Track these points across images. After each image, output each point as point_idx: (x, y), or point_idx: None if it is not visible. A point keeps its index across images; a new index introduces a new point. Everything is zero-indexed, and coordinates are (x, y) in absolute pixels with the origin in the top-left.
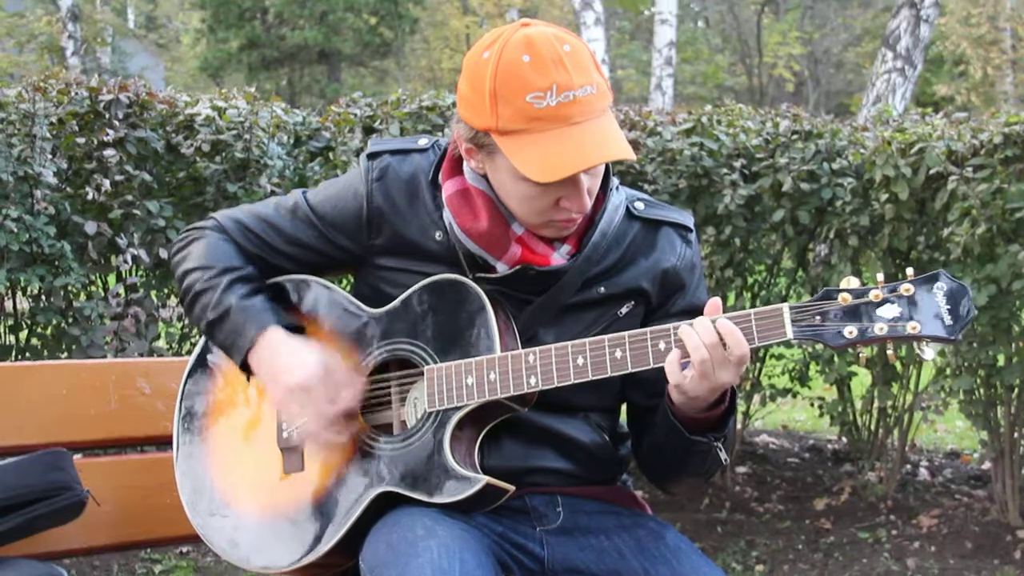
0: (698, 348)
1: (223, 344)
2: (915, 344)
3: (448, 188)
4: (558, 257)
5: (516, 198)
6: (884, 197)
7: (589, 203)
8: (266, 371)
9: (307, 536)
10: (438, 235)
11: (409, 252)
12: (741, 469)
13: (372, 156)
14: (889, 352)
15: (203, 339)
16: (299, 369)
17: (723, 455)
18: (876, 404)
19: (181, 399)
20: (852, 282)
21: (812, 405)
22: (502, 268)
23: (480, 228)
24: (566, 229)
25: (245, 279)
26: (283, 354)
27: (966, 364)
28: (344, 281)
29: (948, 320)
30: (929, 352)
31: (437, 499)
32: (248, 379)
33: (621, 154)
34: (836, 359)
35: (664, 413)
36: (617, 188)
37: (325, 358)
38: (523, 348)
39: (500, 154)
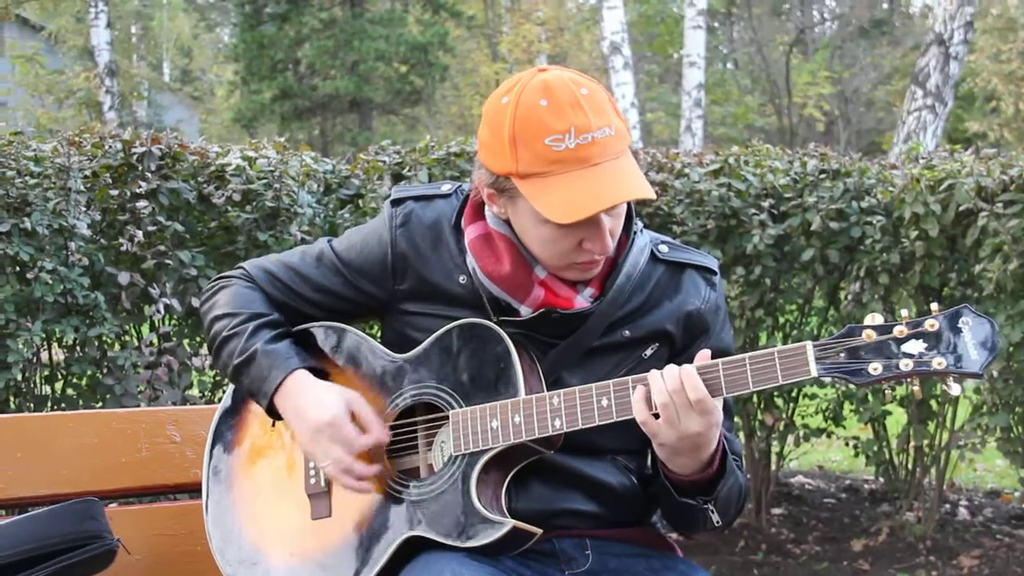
0: (660, 392)
1: (249, 389)
2: (941, 379)
3: (470, 233)
4: (581, 300)
5: (538, 241)
6: (914, 234)
7: (612, 245)
8: (292, 413)
9: None
10: (462, 279)
11: (434, 297)
12: (777, 510)
13: (396, 203)
14: (915, 388)
15: (231, 386)
16: (323, 408)
17: (715, 518)
18: (912, 443)
19: (210, 446)
20: (876, 318)
21: (847, 444)
22: (525, 311)
23: (503, 272)
24: (589, 271)
25: (271, 324)
26: (308, 396)
27: (1003, 401)
28: (375, 328)
29: (975, 355)
30: (956, 388)
31: (464, 543)
32: (274, 424)
33: (641, 193)
34: (870, 398)
35: (658, 472)
36: (641, 231)
37: (349, 397)
38: (548, 391)
39: (521, 198)
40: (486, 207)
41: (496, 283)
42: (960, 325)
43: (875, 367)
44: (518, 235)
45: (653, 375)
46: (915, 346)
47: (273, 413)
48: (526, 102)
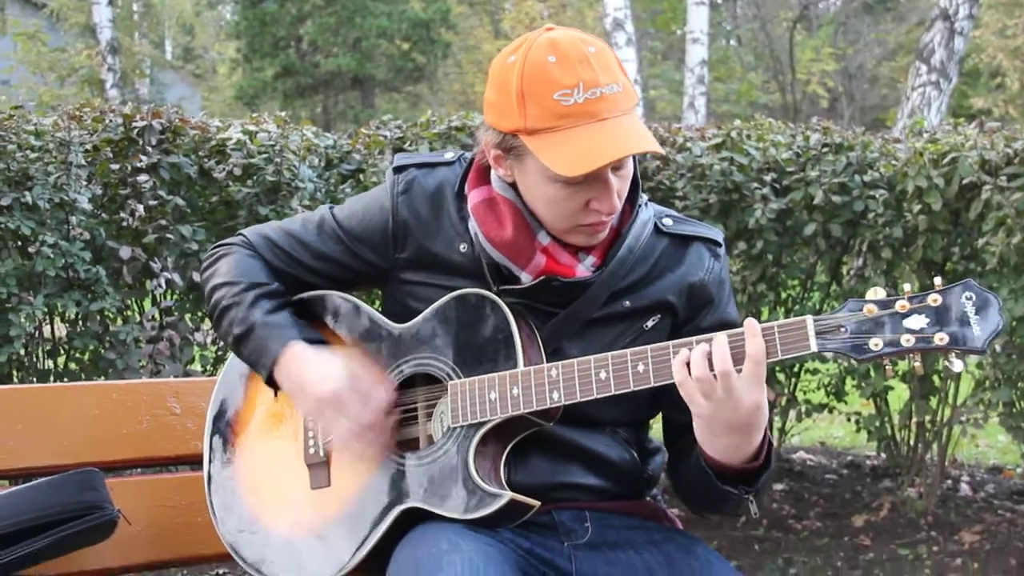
0: (723, 359)
1: (249, 360)
2: (943, 355)
3: (474, 197)
4: (583, 269)
5: (545, 201)
6: (917, 208)
7: (619, 204)
8: (293, 385)
9: (334, 552)
10: (463, 247)
11: (434, 265)
12: (778, 486)
13: (398, 170)
14: (916, 364)
15: (231, 356)
16: (327, 380)
17: (753, 508)
18: (914, 418)
19: (211, 415)
20: (878, 293)
21: (849, 420)
22: (526, 278)
23: (505, 237)
24: (595, 236)
25: (270, 295)
26: (309, 367)
27: (1005, 376)
28: (376, 302)
29: (977, 331)
30: (958, 364)
31: (462, 515)
32: (276, 395)
33: (649, 147)
34: (872, 373)
35: (698, 457)
36: (646, 204)
37: (351, 365)
38: (547, 362)
39: (529, 156)
40: (492, 171)
41: (498, 248)
42: (963, 300)
43: (876, 342)
44: (524, 197)
45: (718, 341)
46: (917, 321)
47: (273, 384)
48: (534, 59)
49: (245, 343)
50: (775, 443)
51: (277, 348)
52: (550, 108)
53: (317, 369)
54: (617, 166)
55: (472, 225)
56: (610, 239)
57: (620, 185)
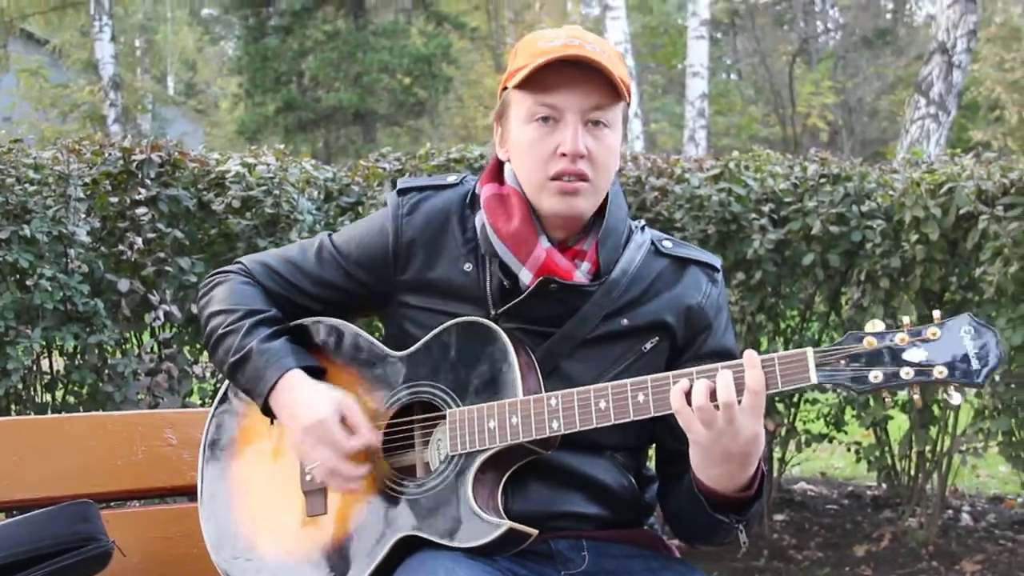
0: (727, 389)
1: (245, 387)
2: (942, 388)
3: (486, 192)
4: (580, 275)
5: (522, 150)
6: (914, 238)
7: (582, 149)
8: (285, 413)
9: None
10: (467, 267)
11: (435, 290)
12: (779, 517)
13: (402, 192)
14: (916, 396)
15: (227, 382)
16: (313, 410)
17: (743, 537)
18: (914, 448)
19: (206, 441)
20: (878, 325)
21: (849, 450)
22: (525, 276)
23: (511, 228)
24: (567, 199)
25: (268, 321)
26: (301, 396)
27: (1004, 405)
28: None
29: (975, 365)
30: (957, 397)
31: (459, 544)
32: (272, 422)
33: (605, 68)
34: (872, 403)
35: (691, 482)
36: (643, 229)
37: (339, 399)
38: (546, 381)
39: (511, 105)
40: (504, 168)
41: (503, 239)
42: (962, 334)
43: (876, 375)
44: (515, 170)
45: (722, 372)
46: (916, 354)
47: (268, 412)
48: (538, 30)
49: (242, 370)
50: (775, 473)
51: (273, 376)
52: (532, 50)
53: (307, 399)
54: (593, 119)
55: (480, 217)
56: (596, 243)
57: (594, 145)
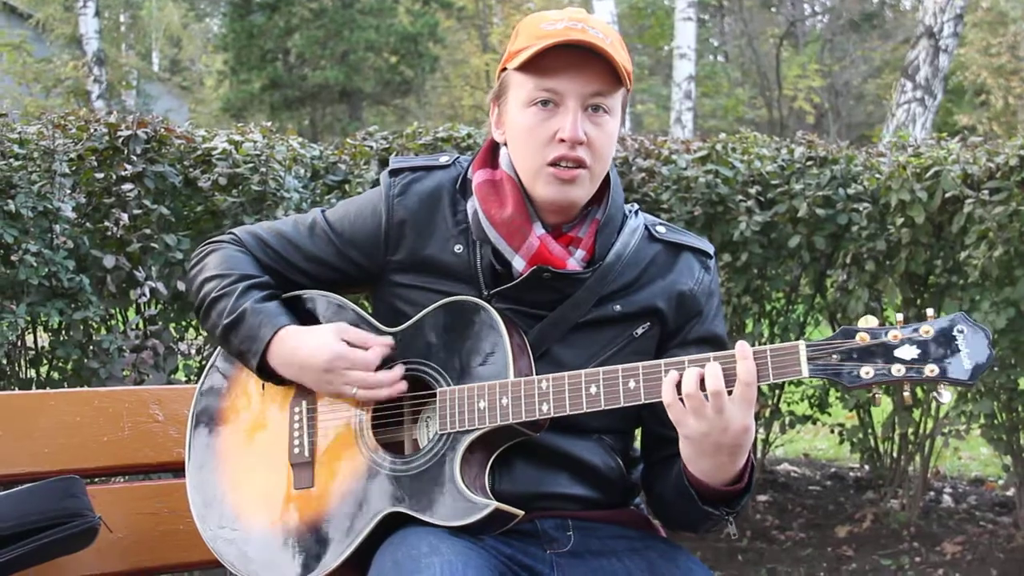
0: (715, 377)
1: (239, 349)
2: (932, 385)
3: (478, 177)
4: (573, 262)
5: (521, 134)
6: (900, 221)
7: (581, 135)
8: (293, 364)
9: (316, 553)
10: (457, 248)
11: (426, 268)
12: (762, 497)
13: (394, 172)
14: (906, 394)
15: (216, 353)
16: (322, 346)
17: (732, 528)
18: (897, 430)
19: (194, 412)
20: (871, 321)
21: (833, 432)
22: (518, 263)
23: (504, 215)
24: (564, 187)
25: (261, 286)
26: (303, 341)
27: (987, 388)
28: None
29: (967, 364)
30: (946, 395)
31: (444, 522)
32: (264, 386)
33: (612, 58)
34: None
35: (680, 474)
36: (636, 213)
37: (334, 327)
38: (537, 364)
39: (511, 87)
40: (499, 152)
41: (496, 227)
42: (955, 333)
43: (867, 371)
44: (511, 149)
45: (712, 363)
46: (908, 351)
47: (264, 371)
48: (539, 11)
49: (235, 331)
50: (759, 454)
51: (268, 333)
52: (533, 32)
53: (309, 343)
54: (593, 109)
55: (472, 204)
56: (594, 232)
57: (594, 132)
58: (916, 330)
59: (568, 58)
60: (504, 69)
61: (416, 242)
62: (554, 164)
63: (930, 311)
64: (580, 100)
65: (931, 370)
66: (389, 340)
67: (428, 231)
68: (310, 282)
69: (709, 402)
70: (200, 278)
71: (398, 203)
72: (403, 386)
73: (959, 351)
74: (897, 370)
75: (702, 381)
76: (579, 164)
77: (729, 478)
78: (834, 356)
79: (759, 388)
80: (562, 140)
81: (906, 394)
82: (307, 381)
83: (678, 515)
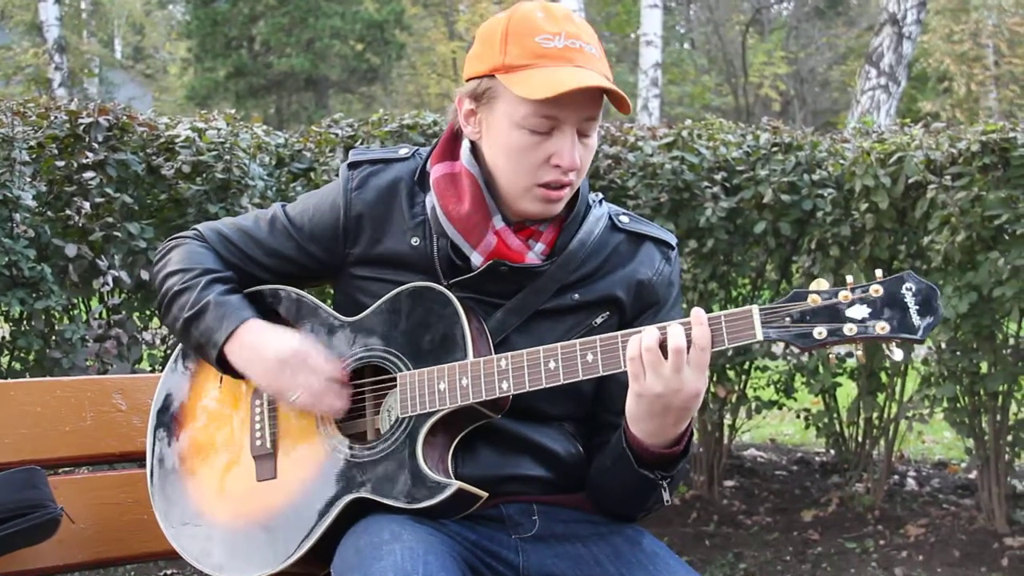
0: (677, 336)
1: (199, 341)
2: (884, 345)
3: (436, 171)
4: (532, 256)
5: (508, 151)
6: (864, 207)
7: (578, 163)
8: (248, 357)
9: (280, 544)
10: (415, 240)
11: (384, 261)
12: (729, 483)
13: (353, 166)
14: (858, 353)
15: (177, 348)
16: (286, 342)
17: (666, 495)
18: (862, 415)
19: (156, 408)
20: (822, 283)
21: (799, 417)
22: (476, 259)
23: (462, 211)
24: (549, 205)
25: (224, 280)
26: (267, 336)
27: (950, 372)
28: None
29: (916, 320)
30: (899, 353)
31: (408, 505)
32: (222, 380)
33: (621, 93)
34: (821, 369)
35: (619, 438)
36: (600, 202)
37: (303, 336)
38: (496, 351)
39: (499, 101)
40: (460, 145)
41: (453, 223)
42: (903, 291)
43: (820, 331)
44: (487, 156)
45: (672, 325)
46: (859, 311)
47: (222, 364)
48: (522, 10)
49: (196, 324)
50: (725, 440)
51: (231, 325)
52: (530, 48)
53: (276, 336)
54: (583, 131)
55: (430, 199)
56: (558, 228)
57: (583, 153)
58: (866, 290)
59: (575, 93)
60: (492, 76)
61: (374, 235)
62: (544, 186)
63: (879, 272)
64: (576, 124)
65: (882, 327)
66: (343, 371)
67: (385, 224)
68: (272, 277)
69: (668, 360)
70: (163, 273)
71: (356, 197)
72: (342, 406)
73: (908, 309)
74: (849, 329)
75: (662, 342)
76: (568, 184)
77: (668, 441)
78: (787, 318)
79: (726, 374)
80: (557, 165)
81: (858, 353)
82: (256, 372)
83: (613, 486)
